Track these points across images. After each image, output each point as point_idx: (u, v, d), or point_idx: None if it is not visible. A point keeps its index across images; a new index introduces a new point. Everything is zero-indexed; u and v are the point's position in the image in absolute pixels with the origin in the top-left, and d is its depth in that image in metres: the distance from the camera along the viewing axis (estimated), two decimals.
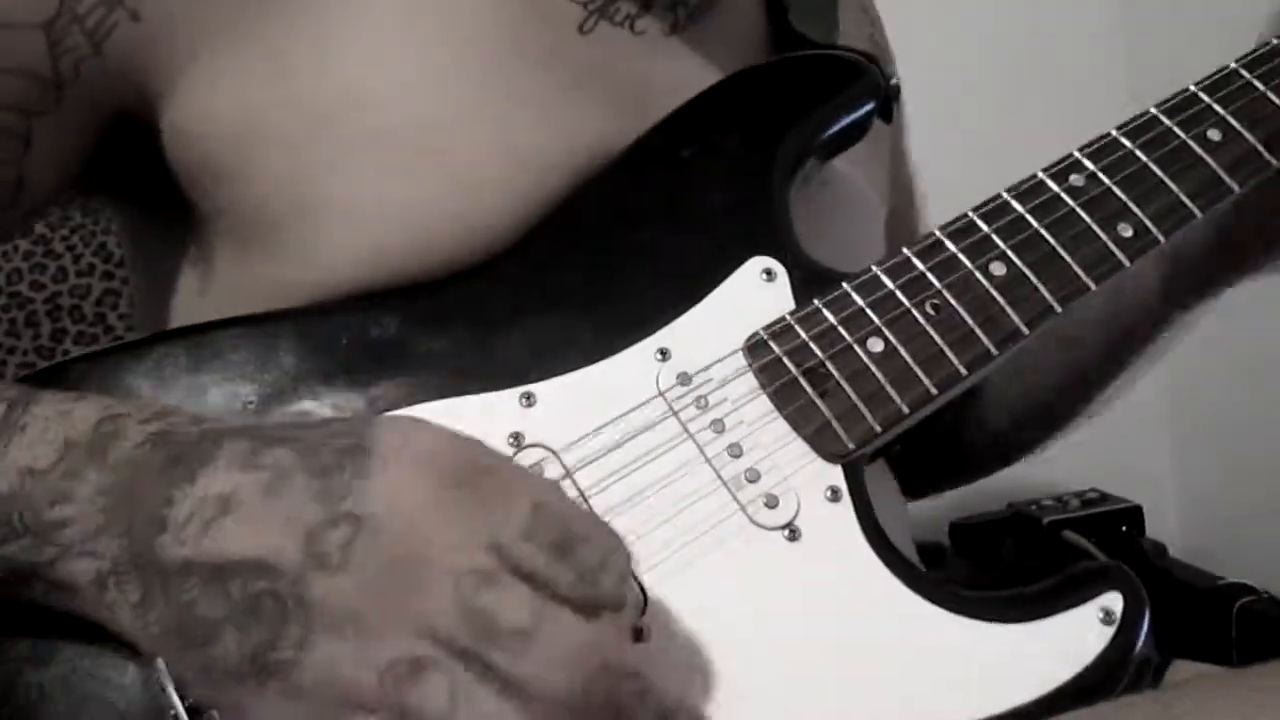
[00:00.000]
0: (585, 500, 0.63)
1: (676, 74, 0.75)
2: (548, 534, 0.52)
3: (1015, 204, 0.71)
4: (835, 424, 0.66)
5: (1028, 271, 0.69)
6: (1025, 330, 0.68)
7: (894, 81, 0.79)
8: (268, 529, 0.51)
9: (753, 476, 0.65)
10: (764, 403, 0.67)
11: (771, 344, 0.68)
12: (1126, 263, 0.69)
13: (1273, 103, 0.73)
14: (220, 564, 0.51)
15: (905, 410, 0.66)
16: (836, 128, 0.76)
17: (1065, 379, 0.93)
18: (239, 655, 0.51)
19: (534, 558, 0.52)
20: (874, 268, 0.70)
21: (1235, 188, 0.72)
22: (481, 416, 0.65)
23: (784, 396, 0.67)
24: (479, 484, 0.53)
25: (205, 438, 0.55)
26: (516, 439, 0.65)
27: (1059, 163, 0.72)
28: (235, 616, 0.51)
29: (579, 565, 0.52)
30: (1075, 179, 0.71)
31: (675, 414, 0.66)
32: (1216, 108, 0.73)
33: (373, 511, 0.51)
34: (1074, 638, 0.61)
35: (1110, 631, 0.61)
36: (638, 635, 0.60)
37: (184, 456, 0.55)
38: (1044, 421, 0.97)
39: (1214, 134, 0.73)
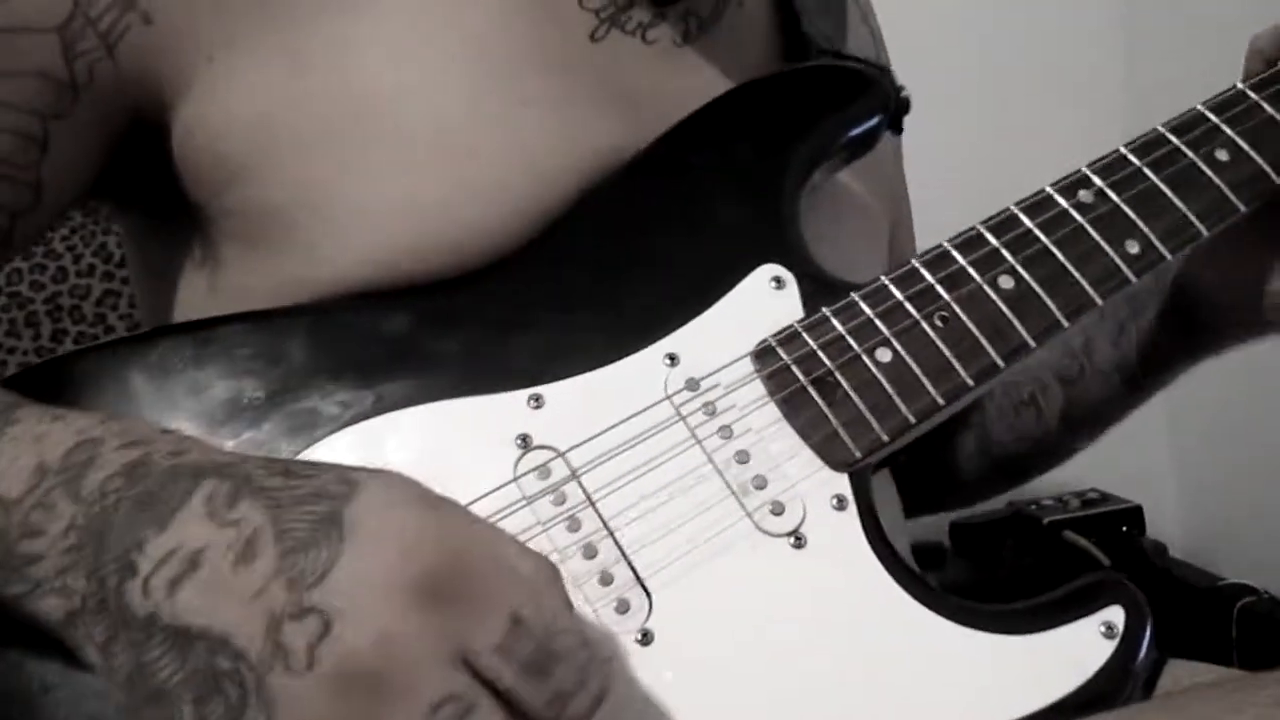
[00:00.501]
0: (592, 503, 0.64)
1: (687, 83, 0.75)
2: (523, 651, 0.49)
3: (1024, 218, 0.71)
4: (843, 433, 0.66)
5: (1036, 286, 0.69)
6: (1033, 344, 0.68)
7: (904, 94, 0.79)
8: (232, 603, 0.49)
9: (760, 483, 0.65)
10: (772, 410, 0.67)
11: (780, 351, 0.68)
12: (1133, 279, 0.70)
13: None
14: (183, 629, 0.49)
15: (912, 420, 0.67)
16: (848, 138, 0.76)
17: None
18: None
19: (507, 676, 0.49)
20: (883, 278, 0.70)
21: (1242, 207, 0.72)
22: (489, 417, 0.66)
23: (792, 404, 0.67)
24: (457, 589, 0.49)
25: (181, 474, 0.53)
26: (524, 440, 0.65)
27: (1067, 178, 0.73)
28: (194, 687, 0.49)
29: (553, 687, 0.50)
30: (1084, 195, 0.72)
31: (683, 419, 0.67)
32: (1224, 128, 0.74)
33: (342, 611, 0.48)
34: (1076, 650, 0.61)
35: (1112, 645, 0.61)
36: (643, 640, 0.61)
37: (157, 496, 0.52)
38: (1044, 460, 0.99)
39: (1222, 154, 0.73)
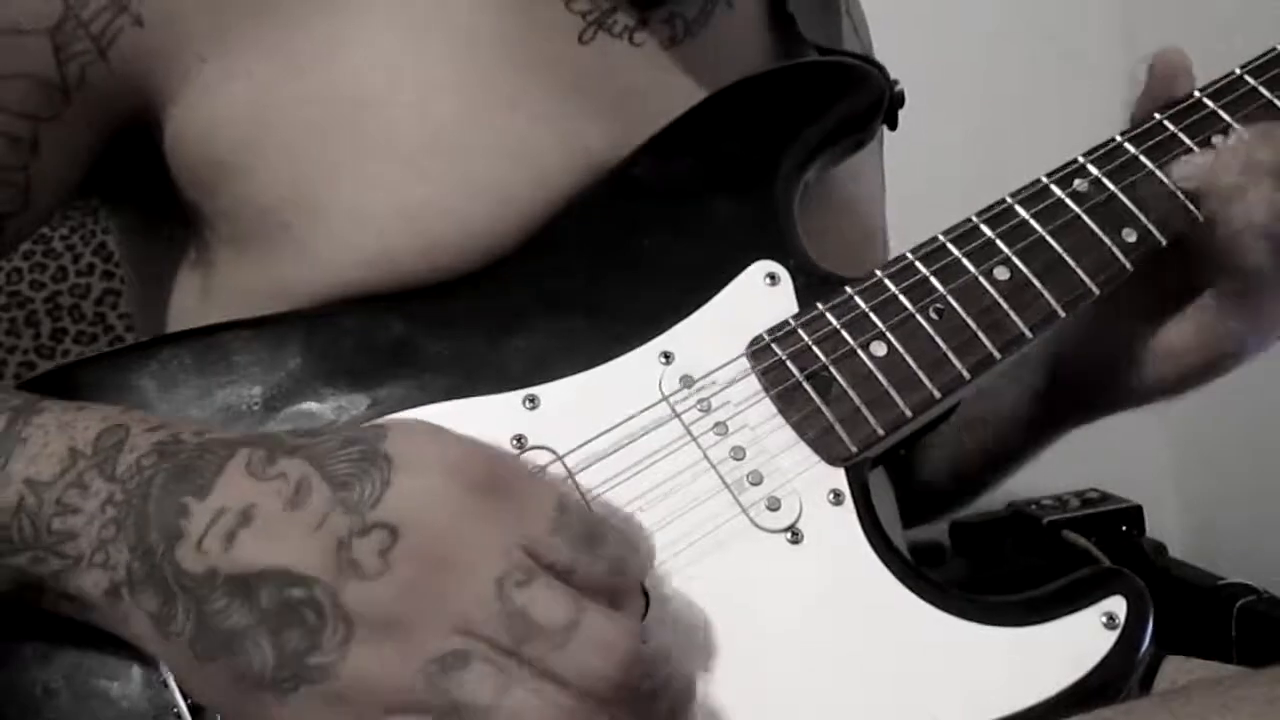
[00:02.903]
0: (588, 503, 0.63)
1: (677, 84, 0.75)
2: (574, 527, 0.53)
3: (1019, 208, 0.71)
4: (838, 427, 0.66)
5: (1031, 276, 0.69)
6: (1029, 335, 0.68)
7: (898, 88, 0.79)
8: (295, 539, 0.52)
9: (755, 479, 0.65)
10: (767, 406, 0.67)
11: (774, 347, 0.68)
12: (1130, 267, 0.70)
13: (1278, 109, 0.73)
14: (247, 574, 0.51)
15: (908, 414, 0.66)
16: (842, 134, 0.76)
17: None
18: (274, 661, 0.51)
19: (565, 551, 0.53)
20: (877, 272, 0.70)
21: None
22: (485, 418, 0.65)
23: (787, 400, 0.67)
24: (503, 487, 0.53)
25: (213, 446, 0.55)
26: (520, 441, 0.65)
27: (1063, 168, 0.72)
28: (267, 623, 0.51)
29: (608, 554, 0.54)
30: (1079, 184, 0.72)
31: (678, 416, 0.66)
32: (1222, 114, 0.73)
33: (405, 519, 0.51)
34: (1077, 642, 0.61)
35: (1114, 636, 0.61)
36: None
37: (194, 466, 0.54)
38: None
39: (1219, 140, 0.73)
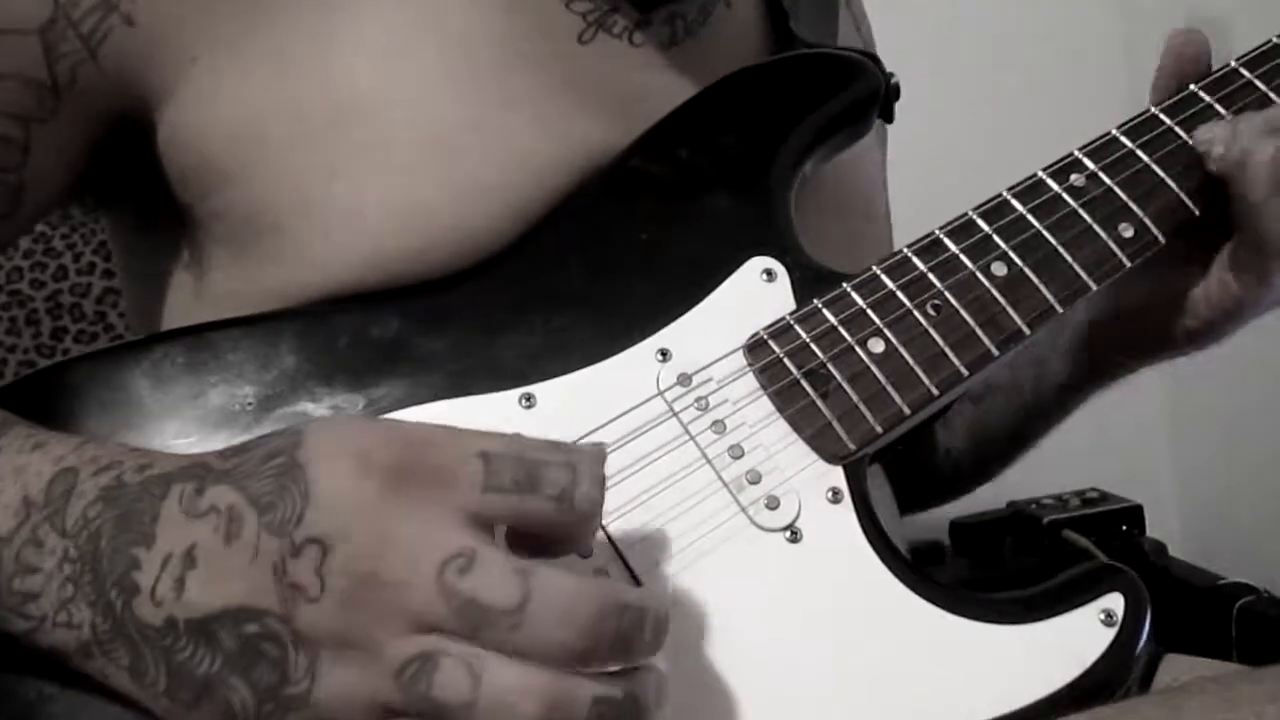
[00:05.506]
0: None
1: (673, 86, 0.75)
2: (507, 475, 0.51)
3: (1015, 203, 0.71)
4: (836, 425, 0.66)
5: (1029, 272, 0.69)
6: (1027, 330, 0.68)
7: (894, 81, 0.79)
8: (237, 575, 0.51)
9: (754, 478, 0.65)
10: (765, 404, 0.67)
11: (772, 344, 0.68)
12: (1127, 263, 0.70)
13: (1274, 102, 0.73)
14: (202, 618, 0.51)
15: (906, 411, 0.66)
16: (838, 127, 0.76)
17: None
18: (253, 699, 0.50)
19: (505, 502, 0.51)
20: (874, 267, 0.69)
21: None
22: (481, 417, 0.65)
23: (785, 397, 0.67)
24: (421, 462, 0.51)
25: (151, 486, 0.55)
26: None
27: (1059, 162, 0.72)
28: (235, 663, 0.50)
29: (551, 490, 0.51)
30: (1076, 178, 0.71)
31: (676, 414, 0.66)
32: (1218, 107, 0.73)
33: (330, 530, 0.50)
34: (1075, 639, 0.61)
35: (1112, 633, 0.61)
36: None
37: (134, 512, 0.54)
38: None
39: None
